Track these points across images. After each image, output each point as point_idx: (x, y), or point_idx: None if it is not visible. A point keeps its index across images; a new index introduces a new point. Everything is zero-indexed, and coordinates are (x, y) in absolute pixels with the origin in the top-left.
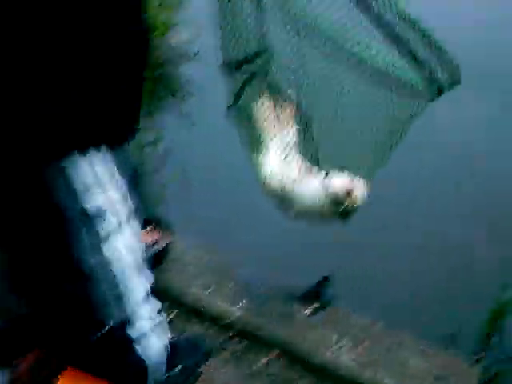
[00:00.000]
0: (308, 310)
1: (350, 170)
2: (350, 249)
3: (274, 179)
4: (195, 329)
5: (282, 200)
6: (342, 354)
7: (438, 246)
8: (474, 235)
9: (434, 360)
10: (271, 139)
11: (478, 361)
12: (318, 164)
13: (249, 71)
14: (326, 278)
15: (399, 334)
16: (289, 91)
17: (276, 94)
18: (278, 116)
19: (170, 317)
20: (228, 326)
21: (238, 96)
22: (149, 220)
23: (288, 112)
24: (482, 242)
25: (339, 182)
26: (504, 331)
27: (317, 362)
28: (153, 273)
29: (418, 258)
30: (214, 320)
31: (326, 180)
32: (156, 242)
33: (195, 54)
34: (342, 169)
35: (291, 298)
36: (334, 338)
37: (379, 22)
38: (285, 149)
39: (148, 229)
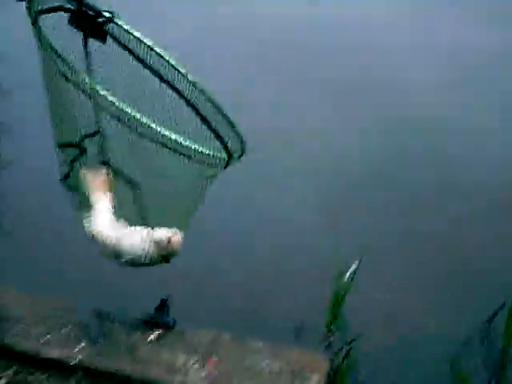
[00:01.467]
0: (152, 337)
1: (168, 225)
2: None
3: (103, 235)
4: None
5: (114, 252)
6: (191, 374)
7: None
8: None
9: (285, 357)
10: (96, 203)
11: (327, 347)
12: (145, 221)
13: (79, 148)
14: (163, 302)
15: (247, 341)
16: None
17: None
18: (96, 185)
19: (9, 373)
20: (72, 370)
21: (70, 168)
22: None
23: (102, 182)
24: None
25: (161, 232)
26: (343, 315)
27: None
28: None
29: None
30: (57, 367)
31: (150, 232)
32: None
33: None
34: (160, 224)
35: (133, 329)
36: (182, 359)
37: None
38: (108, 210)
39: None
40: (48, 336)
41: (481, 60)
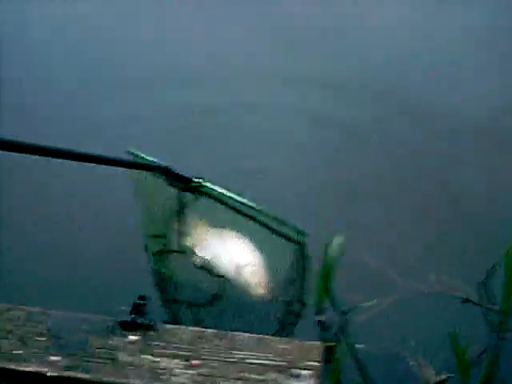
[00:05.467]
0: (131, 339)
1: None
2: None
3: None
4: None
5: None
6: (175, 376)
7: None
8: None
9: (274, 349)
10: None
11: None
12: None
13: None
14: (141, 298)
15: (231, 335)
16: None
17: None
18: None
19: None
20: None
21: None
22: None
23: None
24: None
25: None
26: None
27: None
28: None
29: None
30: (32, 381)
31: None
32: None
33: None
34: None
35: (110, 332)
36: (165, 360)
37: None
38: None
39: None
40: (21, 349)
41: None
